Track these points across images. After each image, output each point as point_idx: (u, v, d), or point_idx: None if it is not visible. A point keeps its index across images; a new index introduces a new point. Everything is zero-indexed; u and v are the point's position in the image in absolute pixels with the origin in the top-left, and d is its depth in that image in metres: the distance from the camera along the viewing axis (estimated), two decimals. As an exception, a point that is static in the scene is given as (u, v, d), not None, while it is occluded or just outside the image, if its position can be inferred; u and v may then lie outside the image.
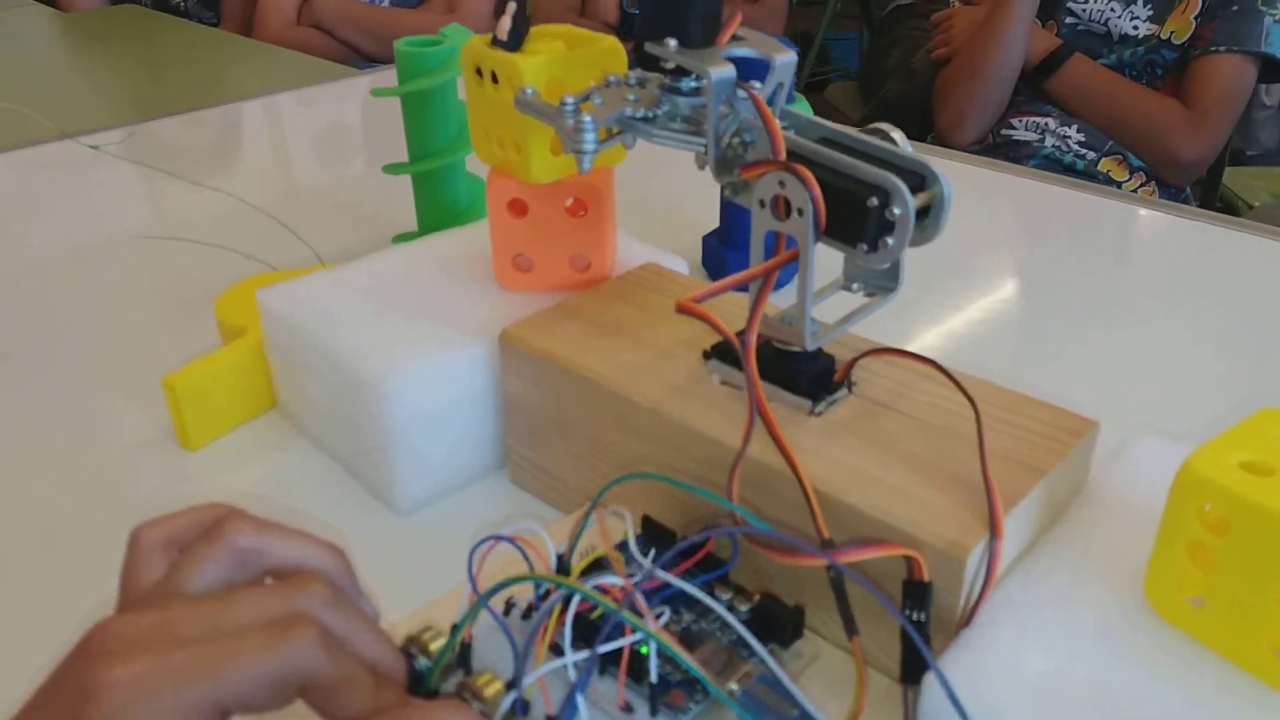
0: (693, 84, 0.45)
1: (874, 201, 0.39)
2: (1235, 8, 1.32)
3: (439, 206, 0.73)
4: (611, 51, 0.52)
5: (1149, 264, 0.84)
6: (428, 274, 0.57)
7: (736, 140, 0.43)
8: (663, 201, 0.86)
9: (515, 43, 0.50)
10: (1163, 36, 1.35)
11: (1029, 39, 1.38)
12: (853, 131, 0.43)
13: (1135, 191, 1.38)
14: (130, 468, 0.55)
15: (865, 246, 0.40)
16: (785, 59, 0.44)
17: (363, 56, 1.83)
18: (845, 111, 2.24)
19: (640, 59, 0.45)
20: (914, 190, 0.39)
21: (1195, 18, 1.33)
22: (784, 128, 0.43)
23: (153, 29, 1.63)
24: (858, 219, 0.39)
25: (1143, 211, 0.92)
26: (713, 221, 0.75)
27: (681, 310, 0.40)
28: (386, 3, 1.87)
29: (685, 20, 0.43)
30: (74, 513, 0.52)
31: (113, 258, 0.79)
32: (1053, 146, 1.40)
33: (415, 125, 0.70)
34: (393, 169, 0.71)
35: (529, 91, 0.47)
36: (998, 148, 1.44)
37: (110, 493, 0.54)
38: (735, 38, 0.45)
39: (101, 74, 1.43)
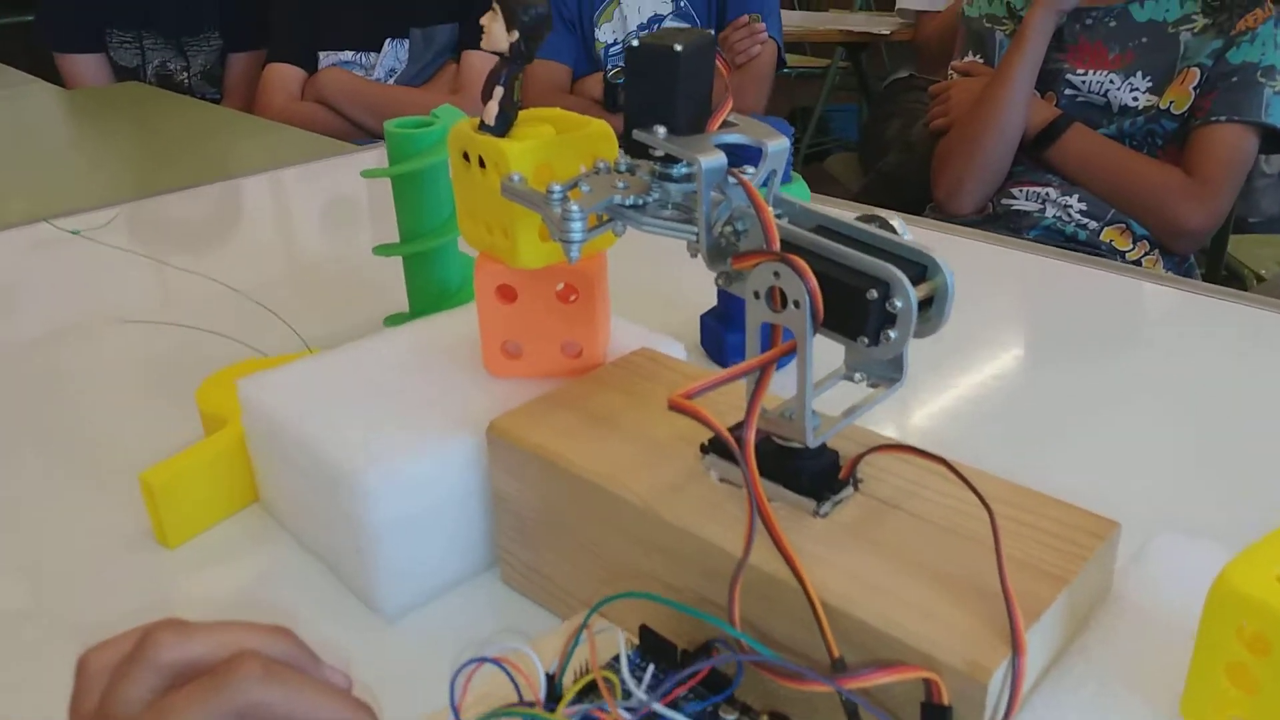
0: (684, 170, 0.44)
1: (874, 294, 0.37)
2: (1235, 79, 1.31)
3: (431, 288, 0.71)
4: (601, 136, 0.50)
5: (1160, 342, 0.81)
6: (414, 361, 0.55)
7: (729, 229, 0.41)
8: (658, 279, 0.84)
9: (503, 127, 0.49)
10: (1162, 106, 1.35)
11: (1028, 109, 1.38)
12: (850, 219, 0.41)
13: (1139, 261, 1.36)
14: (106, 567, 0.53)
15: (866, 340, 0.38)
16: (778, 145, 0.42)
17: (367, 133, 1.84)
18: (845, 183, 2.25)
19: (628, 146, 0.44)
20: (916, 280, 0.37)
21: (1194, 88, 1.33)
22: (778, 215, 0.41)
23: (155, 106, 1.63)
24: (857, 312, 0.37)
25: (1152, 286, 0.90)
26: (710, 299, 0.74)
27: (674, 408, 0.38)
28: (392, 81, 1.88)
29: (673, 107, 0.41)
30: (45, 616, 0.50)
31: (93, 343, 0.78)
32: (1054, 217, 1.39)
33: (406, 206, 0.68)
34: (383, 250, 0.69)
35: (515, 178, 0.46)
36: (998, 218, 1.43)
37: (83, 595, 0.51)
38: (727, 123, 0.43)
39: (100, 152, 1.43)
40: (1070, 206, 1.38)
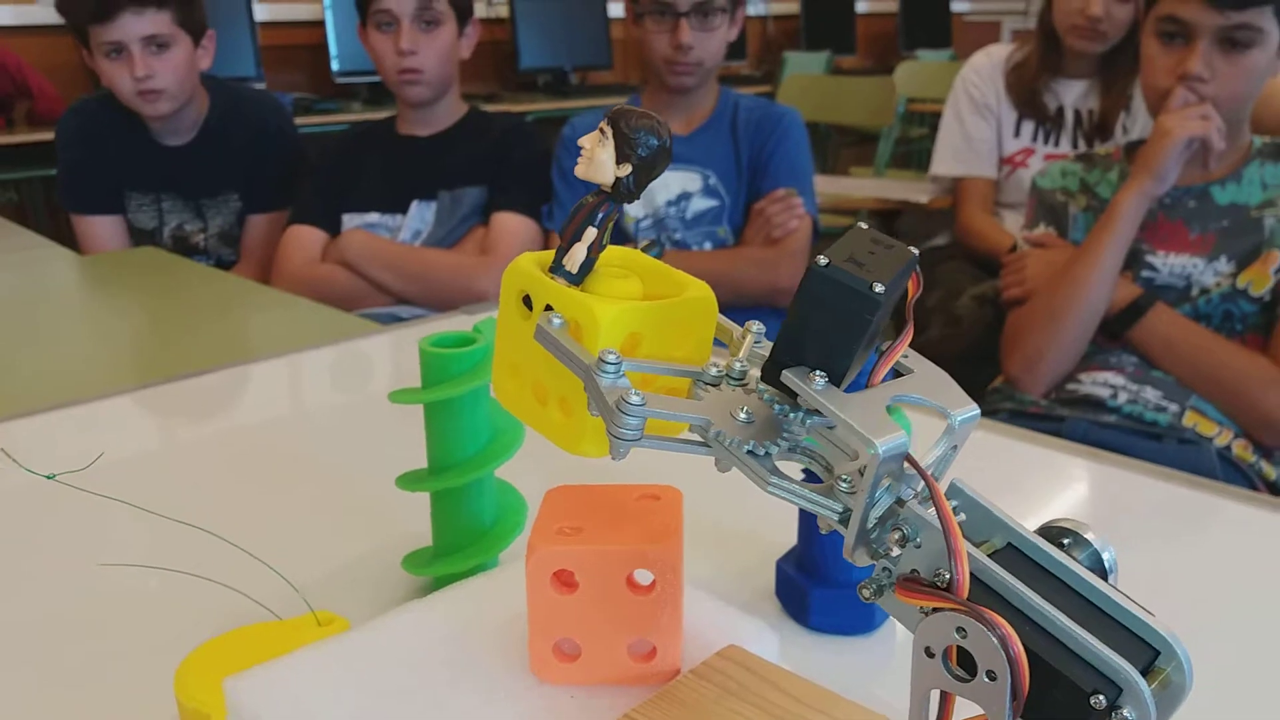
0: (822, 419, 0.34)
1: (1101, 701, 0.26)
2: None
3: (460, 526, 0.61)
4: (702, 306, 0.39)
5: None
6: (442, 652, 0.44)
7: (896, 534, 0.31)
8: (717, 499, 0.73)
9: (582, 276, 0.38)
10: (1239, 286, 1.27)
11: (1113, 289, 1.31)
12: (1044, 546, 0.30)
13: (1229, 447, 1.26)
14: None
15: (1080, 752, 0.27)
16: (966, 415, 0.32)
17: (391, 296, 1.76)
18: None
19: (769, 377, 0.34)
20: (1146, 669, 0.27)
21: (1276, 272, 1.26)
22: (954, 510, 0.31)
23: (168, 275, 1.57)
24: (1069, 715, 0.27)
25: None
26: (786, 536, 0.63)
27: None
28: (418, 243, 1.82)
29: (849, 358, 0.31)
30: None
31: (44, 595, 0.65)
32: (1128, 403, 1.30)
33: (438, 435, 0.59)
34: (409, 484, 0.59)
35: (556, 322, 0.36)
36: (1067, 404, 1.33)
37: None
38: (899, 368, 0.34)
39: (107, 329, 1.35)
40: (1148, 401, 1.29)
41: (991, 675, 0.27)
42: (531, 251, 0.40)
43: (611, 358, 0.33)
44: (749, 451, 0.33)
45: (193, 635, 0.53)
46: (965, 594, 0.28)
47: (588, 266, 0.38)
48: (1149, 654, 0.27)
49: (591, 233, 0.37)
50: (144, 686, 0.53)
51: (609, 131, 0.36)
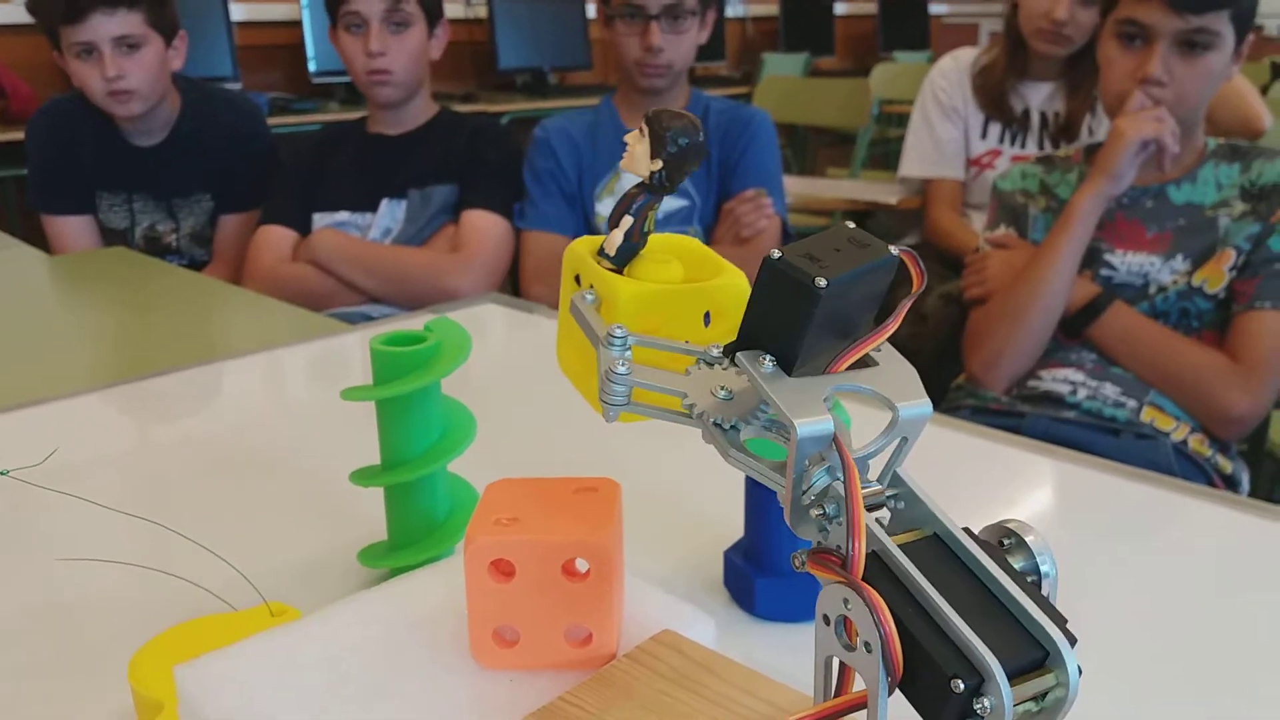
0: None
1: (960, 686, 0.28)
2: (1278, 265, 1.27)
3: (414, 520, 0.62)
4: (729, 291, 0.42)
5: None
6: (388, 640, 0.46)
7: (820, 512, 0.33)
8: (677, 492, 0.75)
9: (623, 260, 0.42)
10: (1194, 284, 1.30)
11: (1072, 288, 1.34)
12: (965, 540, 0.32)
13: (1185, 441, 1.29)
14: None
15: (938, 734, 0.29)
16: (914, 410, 0.34)
17: (361, 293, 1.77)
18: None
19: (732, 356, 0.36)
20: (1029, 669, 0.28)
21: (1229, 269, 1.28)
22: (892, 498, 0.33)
23: (138, 275, 1.57)
24: (935, 695, 0.28)
25: (1253, 520, 0.73)
26: (735, 528, 0.65)
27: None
28: (388, 241, 1.82)
29: (796, 347, 0.33)
30: None
31: (1, 590, 0.65)
32: (1087, 398, 1.32)
33: (390, 431, 0.60)
34: (362, 480, 0.61)
35: (589, 298, 0.40)
36: (1028, 400, 1.36)
37: None
38: (865, 361, 0.35)
39: (75, 330, 1.36)
40: (1107, 397, 1.31)
41: (868, 646, 0.29)
42: (567, 247, 0.44)
43: (619, 332, 0.37)
44: (715, 424, 0.35)
45: (149, 628, 0.54)
46: (859, 570, 0.30)
47: (627, 250, 0.42)
48: (1038, 653, 0.29)
49: (628, 220, 0.41)
50: (100, 677, 0.55)
51: (646, 130, 0.40)
